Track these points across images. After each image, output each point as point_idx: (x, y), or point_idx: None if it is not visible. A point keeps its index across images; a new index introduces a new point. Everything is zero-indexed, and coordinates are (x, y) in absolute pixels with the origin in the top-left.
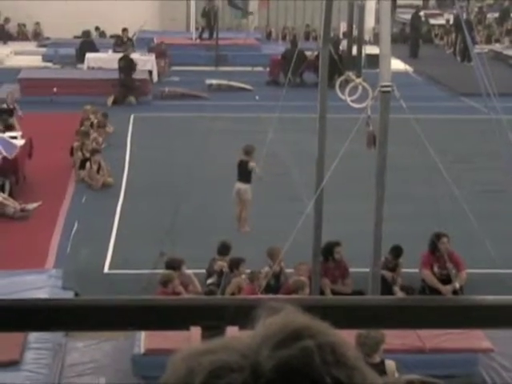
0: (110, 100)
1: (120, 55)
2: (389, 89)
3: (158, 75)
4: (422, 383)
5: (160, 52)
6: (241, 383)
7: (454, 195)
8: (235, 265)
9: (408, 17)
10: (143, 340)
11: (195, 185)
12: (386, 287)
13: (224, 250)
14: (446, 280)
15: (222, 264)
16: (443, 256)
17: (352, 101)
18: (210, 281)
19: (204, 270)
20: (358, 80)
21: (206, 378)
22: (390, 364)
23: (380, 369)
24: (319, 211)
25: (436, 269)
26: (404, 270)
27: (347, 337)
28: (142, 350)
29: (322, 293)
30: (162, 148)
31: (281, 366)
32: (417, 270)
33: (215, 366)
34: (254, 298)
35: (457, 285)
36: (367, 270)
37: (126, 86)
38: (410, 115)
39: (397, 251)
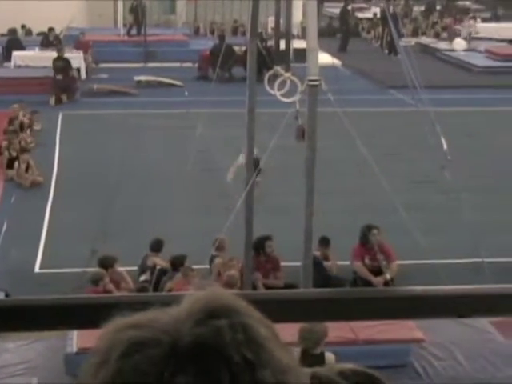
0: (53, 100)
1: (53, 55)
2: (316, 83)
3: (86, 72)
4: (353, 372)
5: (86, 49)
6: (157, 358)
7: (383, 187)
8: (179, 262)
9: (335, 10)
10: (75, 339)
11: (126, 181)
12: (317, 265)
13: (157, 246)
14: (378, 271)
15: (155, 260)
16: (374, 248)
17: (281, 95)
18: (142, 277)
19: (136, 267)
20: (287, 74)
21: (123, 352)
22: (329, 356)
23: (319, 360)
24: (250, 206)
25: (367, 261)
26: (336, 262)
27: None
28: (75, 349)
29: (254, 287)
30: (92, 145)
31: (195, 343)
32: (348, 263)
33: (133, 342)
34: (180, 294)
35: (388, 276)
36: (299, 263)
37: (63, 86)
38: (338, 108)
39: (325, 241)
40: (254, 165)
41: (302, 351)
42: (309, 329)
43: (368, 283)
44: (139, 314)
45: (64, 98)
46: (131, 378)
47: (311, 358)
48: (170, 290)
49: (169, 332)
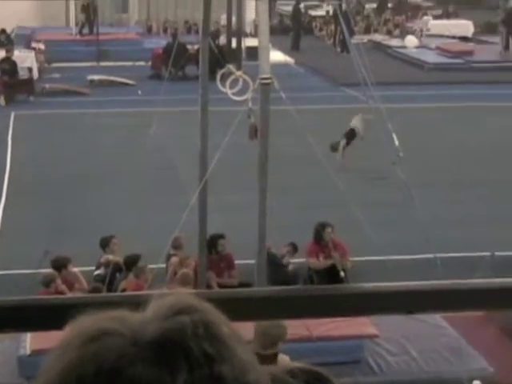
0: (2, 100)
1: (3, 55)
2: (268, 81)
3: (39, 72)
4: (302, 370)
5: (39, 48)
6: (117, 346)
7: (336, 184)
8: (133, 261)
9: (287, 8)
10: (28, 341)
11: (81, 181)
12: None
13: (101, 243)
14: (332, 269)
15: (108, 257)
16: (328, 245)
17: (233, 93)
18: (97, 272)
19: (91, 268)
20: (239, 73)
21: (85, 340)
22: (282, 358)
23: (271, 361)
24: (203, 204)
25: (322, 258)
26: (291, 260)
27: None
28: (28, 351)
29: (208, 286)
30: (45, 145)
31: (157, 335)
32: (303, 260)
33: (96, 331)
34: (137, 294)
35: (342, 273)
36: (253, 261)
37: (11, 87)
38: (290, 106)
39: (293, 247)
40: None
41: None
42: (262, 331)
43: (323, 280)
44: (105, 312)
45: (17, 97)
46: (90, 364)
47: (261, 358)
48: (123, 290)
49: (133, 325)
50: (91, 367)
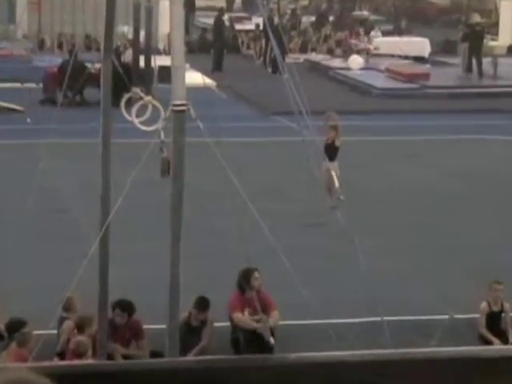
0: None
1: None
2: (183, 108)
3: None
4: None
5: None
6: None
7: (262, 229)
8: (16, 328)
9: (209, 21)
10: None
11: None
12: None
13: None
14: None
15: None
16: (253, 296)
17: (140, 122)
18: None
19: None
20: (148, 97)
21: None
22: None
23: None
24: (105, 254)
25: (247, 314)
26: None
27: None
28: None
29: (110, 358)
30: None
31: None
32: (227, 324)
33: None
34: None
35: (272, 340)
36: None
37: None
38: (210, 138)
39: (204, 304)
40: None
41: None
42: None
43: (251, 341)
44: None
45: None
46: None
47: None
48: (4, 361)
49: None
50: None
